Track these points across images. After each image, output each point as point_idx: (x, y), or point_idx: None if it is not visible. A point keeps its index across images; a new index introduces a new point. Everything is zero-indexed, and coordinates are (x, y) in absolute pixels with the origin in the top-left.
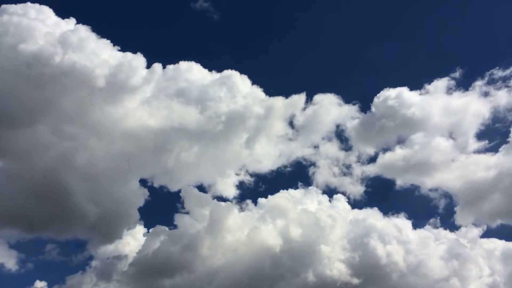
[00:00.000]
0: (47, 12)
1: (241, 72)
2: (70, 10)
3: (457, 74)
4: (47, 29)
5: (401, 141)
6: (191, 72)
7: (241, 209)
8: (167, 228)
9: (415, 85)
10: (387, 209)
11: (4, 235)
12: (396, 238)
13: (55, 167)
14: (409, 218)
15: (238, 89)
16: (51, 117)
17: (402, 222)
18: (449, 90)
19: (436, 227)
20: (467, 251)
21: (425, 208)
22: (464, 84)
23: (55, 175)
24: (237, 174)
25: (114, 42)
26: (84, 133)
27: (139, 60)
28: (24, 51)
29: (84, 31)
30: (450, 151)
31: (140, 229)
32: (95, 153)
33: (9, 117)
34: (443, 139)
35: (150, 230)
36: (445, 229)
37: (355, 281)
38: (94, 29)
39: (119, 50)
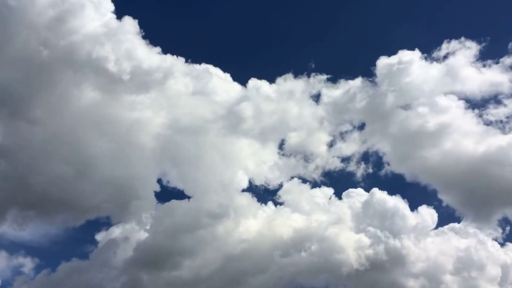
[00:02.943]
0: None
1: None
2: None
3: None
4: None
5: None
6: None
7: (253, 198)
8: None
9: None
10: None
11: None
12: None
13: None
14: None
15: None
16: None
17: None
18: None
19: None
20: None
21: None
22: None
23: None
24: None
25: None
26: (102, 125)
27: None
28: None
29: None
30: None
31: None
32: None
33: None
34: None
35: (156, 216)
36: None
37: (366, 268)
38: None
39: (159, 53)
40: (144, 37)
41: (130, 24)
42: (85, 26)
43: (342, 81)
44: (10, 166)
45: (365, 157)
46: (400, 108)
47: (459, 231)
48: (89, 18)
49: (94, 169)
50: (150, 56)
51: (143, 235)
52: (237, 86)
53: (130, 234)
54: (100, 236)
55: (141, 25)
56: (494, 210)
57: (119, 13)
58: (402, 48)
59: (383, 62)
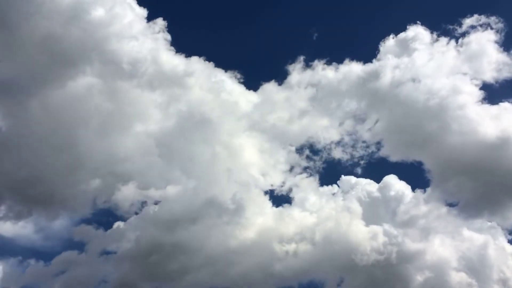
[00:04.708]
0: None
1: None
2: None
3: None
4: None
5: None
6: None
7: (258, 195)
8: None
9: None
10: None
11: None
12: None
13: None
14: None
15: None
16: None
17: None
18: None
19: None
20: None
21: None
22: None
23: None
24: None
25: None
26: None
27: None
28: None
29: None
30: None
31: None
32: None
33: None
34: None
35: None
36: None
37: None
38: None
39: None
40: (170, 40)
41: (158, 25)
42: (111, 23)
43: (345, 63)
44: (7, 158)
45: (370, 144)
46: (408, 91)
47: (471, 227)
48: (117, 16)
49: (96, 163)
50: (168, 57)
51: (143, 228)
52: (247, 86)
53: (129, 226)
54: (99, 228)
55: (170, 27)
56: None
57: (151, 15)
58: (412, 23)
59: (389, 40)
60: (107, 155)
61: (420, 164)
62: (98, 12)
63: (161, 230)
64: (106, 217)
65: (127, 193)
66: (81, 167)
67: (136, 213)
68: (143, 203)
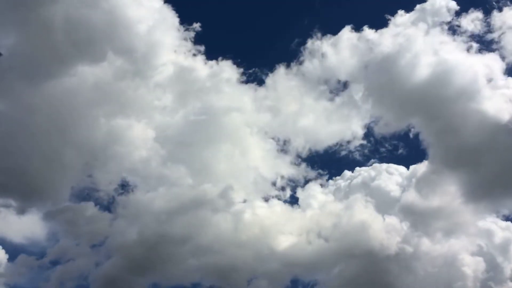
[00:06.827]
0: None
1: None
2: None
3: None
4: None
5: None
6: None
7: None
8: None
9: None
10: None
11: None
12: None
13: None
14: None
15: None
16: None
17: None
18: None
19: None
20: None
21: None
22: None
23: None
24: None
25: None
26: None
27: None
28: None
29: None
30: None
31: None
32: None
33: None
34: None
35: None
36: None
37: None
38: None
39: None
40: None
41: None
42: (137, 21)
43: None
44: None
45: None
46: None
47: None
48: (145, 14)
49: (96, 154)
50: (185, 58)
51: (138, 219)
52: (252, 82)
53: (124, 217)
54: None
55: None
56: None
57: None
58: None
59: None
60: (107, 148)
61: (417, 138)
62: (126, 9)
63: (159, 222)
64: (101, 208)
65: (121, 184)
66: (75, 156)
67: (128, 203)
68: (136, 194)
